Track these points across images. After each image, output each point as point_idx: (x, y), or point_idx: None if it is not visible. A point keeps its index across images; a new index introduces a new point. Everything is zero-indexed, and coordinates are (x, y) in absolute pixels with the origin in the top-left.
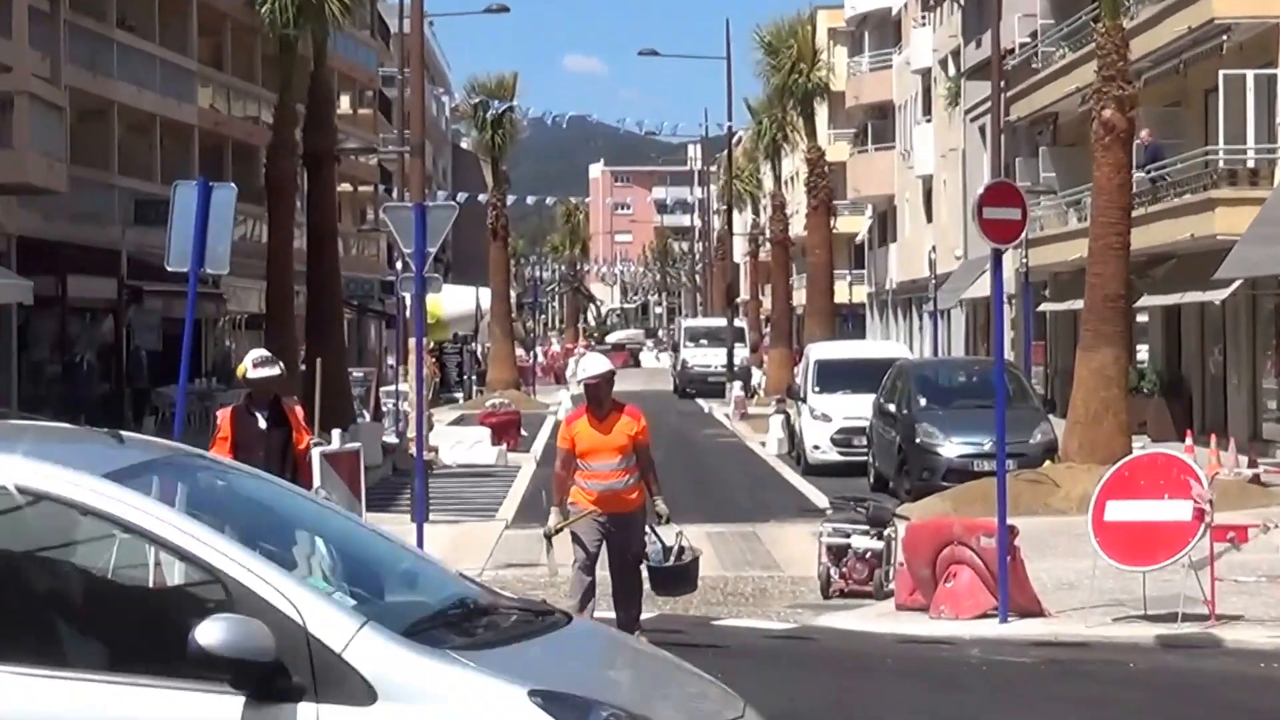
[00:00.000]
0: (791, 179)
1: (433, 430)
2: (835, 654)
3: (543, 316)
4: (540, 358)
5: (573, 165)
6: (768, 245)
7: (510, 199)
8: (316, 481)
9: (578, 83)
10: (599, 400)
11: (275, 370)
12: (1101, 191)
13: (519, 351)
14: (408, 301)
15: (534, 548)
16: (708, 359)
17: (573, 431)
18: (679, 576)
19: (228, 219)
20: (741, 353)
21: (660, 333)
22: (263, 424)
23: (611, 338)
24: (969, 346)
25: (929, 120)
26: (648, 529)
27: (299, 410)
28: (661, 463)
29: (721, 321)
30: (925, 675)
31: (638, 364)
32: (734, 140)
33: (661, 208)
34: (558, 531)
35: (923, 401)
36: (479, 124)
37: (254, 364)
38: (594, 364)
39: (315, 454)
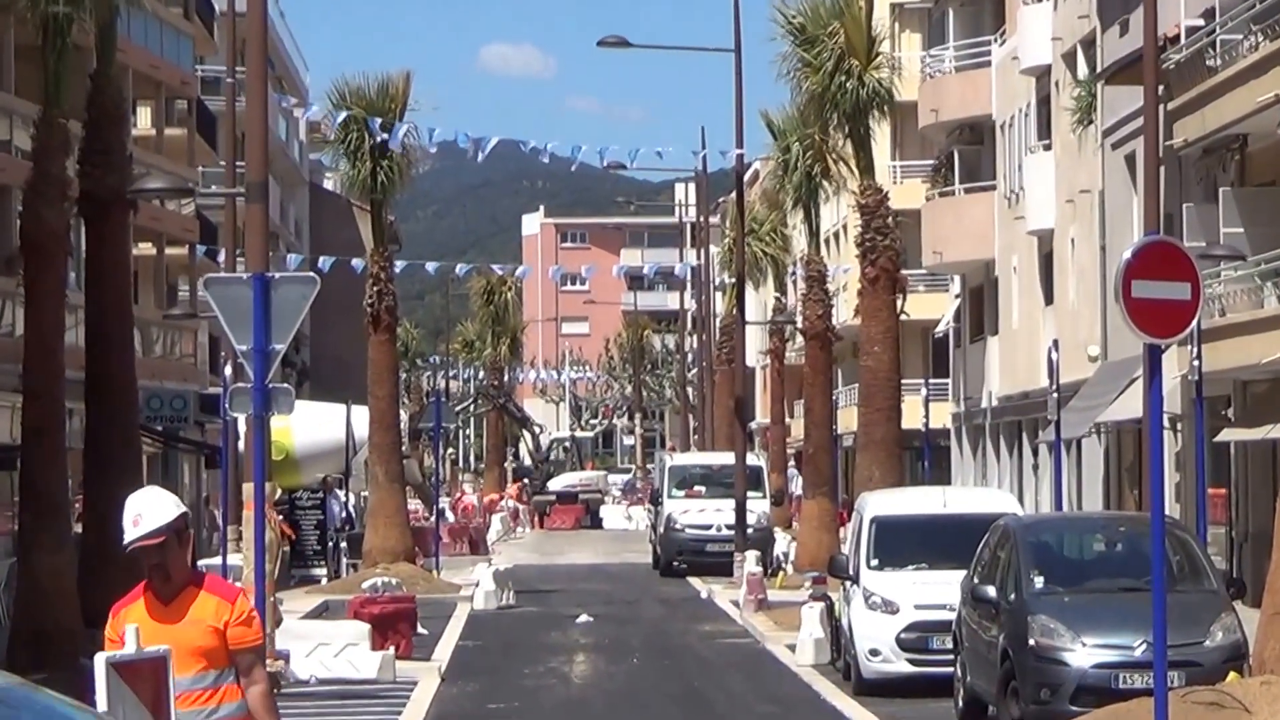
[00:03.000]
0: (835, 236)
1: (280, 626)
2: None
3: (451, 451)
4: (447, 514)
5: (498, 215)
6: (799, 340)
7: (399, 266)
8: (102, 704)
9: (506, 89)
10: (163, 571)
11: None
12: None
13: (413, 505)
14: (241, 428)
15: None
16: (706, 516)
17: (120, 626)
18: None
19: None
20: (759, 506)
21: (632, 475)
22: None
23: (557, 483)
24: (1110, 496)
25: (1048, 147)
26: None
27: None
28: (628, 680)
29: (727, 458)
30: None
31: (597, 523)
32: (747, 176)
33: (635, 281)
34: None
35: (1039, 582)
36: (351, 153)
37: None
38: (150, 509)
39: (100, 663)
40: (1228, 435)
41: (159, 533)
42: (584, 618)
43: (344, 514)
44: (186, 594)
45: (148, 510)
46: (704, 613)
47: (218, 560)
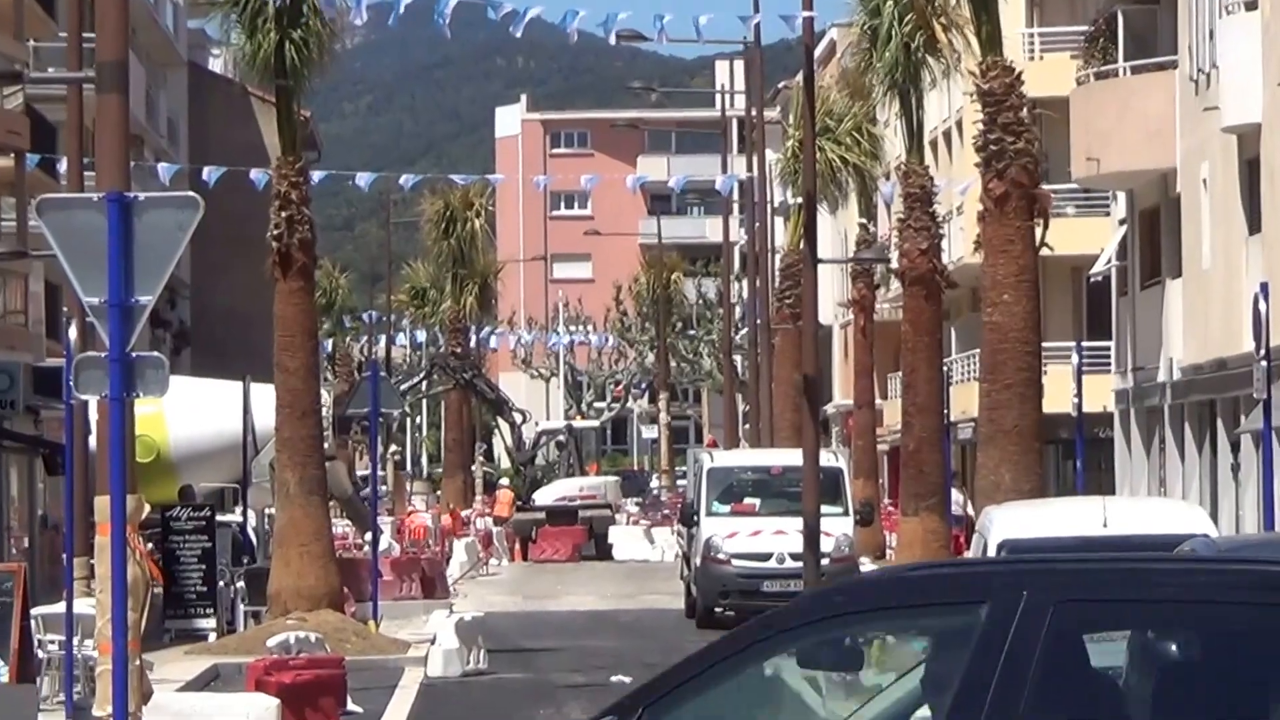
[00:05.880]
0: (946, 137)
1: (150, 701)
2: None
3: (395, 449)
4: (389, 542)
5: (460, 109)
6: (894, 286)
7: (318, 179)
8: None
9: None
10: None
11: None
12: None
13: (340, 527)
14: (93, 415)
15: None
16: (763, 542)
17: None
18: None
19: None
20: (838, 527)
21: (655, 483)
22: None
23: (546, 494)
24: None
25: (1252, 5)
26: None
27: None
28: None
29: (792, 457)
30: None
31: (605, 551)
32: (820, 52)
33: (659, 202)
34: None
35: None
36: (248, 19)
37: None
38: None
39: None
40: None
41: None
42: (618, 677)
43: (240, 540)
44: None
45: None
46: None
47: (59, 608)
